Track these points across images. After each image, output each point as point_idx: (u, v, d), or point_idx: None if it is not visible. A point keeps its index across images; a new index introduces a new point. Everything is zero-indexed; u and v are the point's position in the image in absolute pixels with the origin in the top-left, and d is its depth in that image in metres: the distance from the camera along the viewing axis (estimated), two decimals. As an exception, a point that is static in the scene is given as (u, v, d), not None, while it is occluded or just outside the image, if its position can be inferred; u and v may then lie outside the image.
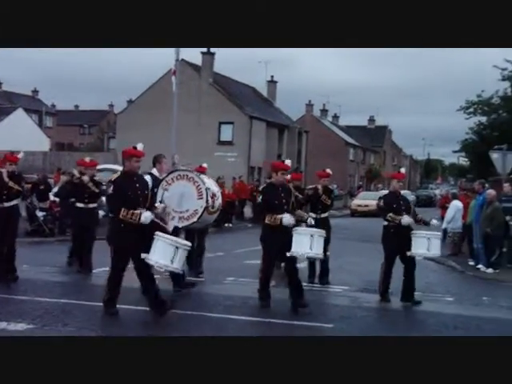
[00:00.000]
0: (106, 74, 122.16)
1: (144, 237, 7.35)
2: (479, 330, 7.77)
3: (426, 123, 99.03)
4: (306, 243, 8.33)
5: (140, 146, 7.61)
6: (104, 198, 9.51)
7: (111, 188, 7.45)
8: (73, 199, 11.31)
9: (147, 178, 8.15)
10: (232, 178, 27.30)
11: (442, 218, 18.82)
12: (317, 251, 8.45)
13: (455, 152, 31.92)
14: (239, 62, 68.45)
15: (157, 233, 7.34)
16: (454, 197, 18.55)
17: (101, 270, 10.54)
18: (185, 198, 8.99)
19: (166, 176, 9.08)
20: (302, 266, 11.67)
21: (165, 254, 7.24)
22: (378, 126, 72.74)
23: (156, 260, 7.24)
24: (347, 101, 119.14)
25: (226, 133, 39.08)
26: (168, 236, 7.47)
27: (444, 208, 19.37)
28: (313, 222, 9.42)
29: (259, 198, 8.61)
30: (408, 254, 9.20)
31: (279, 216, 8.20)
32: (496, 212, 13.72)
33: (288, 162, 8.76)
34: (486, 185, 16.16)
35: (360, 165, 62.11)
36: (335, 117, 67.58)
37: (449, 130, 67.51)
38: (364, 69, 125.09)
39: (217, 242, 15.13)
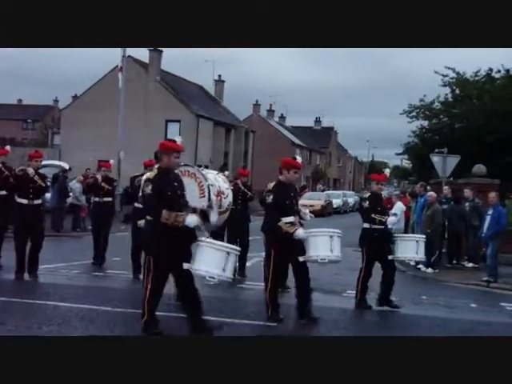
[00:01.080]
0: (50, 68, 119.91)
1: (186, 243, 6.59)
2: (418, 327, 7.99)
3: (371, 125, 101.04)
4: (325, 246, 7.81)
5: (179, 140, 6.95)
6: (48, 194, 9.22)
7: (149, 187, 6.49)
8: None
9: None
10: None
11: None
12: (338, 253, 7.91)
13: (398, 154, 32.53)
14: (187, 61, 68.24)
15: (200, 239, 6.56)
16: (399, 198, 19.01)
17: (43, 267, 10.51)
18: (187, 196, 7.68)
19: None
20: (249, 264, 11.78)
21: (215, 261, 6.44)
22: (324, 127, 73.59)
23: (206, 269, 6.41)
24: (294, 101, 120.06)
25: (173, 131, 38.87)
26: (214, 241, 6.70)
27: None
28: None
29: (269, 198, 7.73)
30: (401, 258, 9.24)
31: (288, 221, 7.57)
32: (436, 214, 14.15)
33: (299, 159, 8.08)
34: (428, 187, 16.65)
35: (306, 165, 62.73)
36: (282, 117, 68.08)
37: (393, 133, 68.93)
38: (311, 70, 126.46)
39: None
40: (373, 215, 8.88)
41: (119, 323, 7.09)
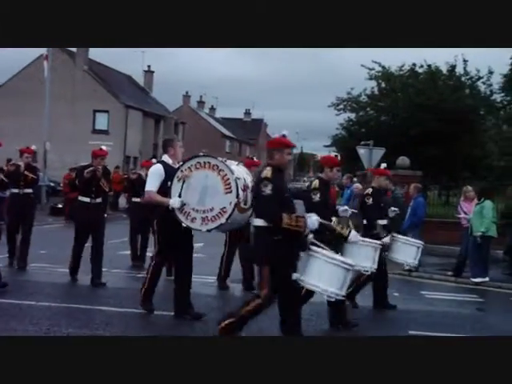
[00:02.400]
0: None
1: (299, 251, 5.98)
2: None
3: (300, 118, 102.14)
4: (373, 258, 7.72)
5: (286, 133, 6.20)
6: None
7: (269, 188, 5.72)
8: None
9: (158, 167, 7.29)
10: (115, 167, 26.97)
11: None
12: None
13: (326, 146, 33.00)
14: (115, 50, 67.00)
15: (313, 248, 5.90)
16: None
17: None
18: (208, 192, 6.90)
19: (182, 165, 7.09)
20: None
21: (334, 279, 5.80)
22: (254, 118, 73.96)
23: (325, 288, 5.79)
24: (224, 93, 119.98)
25: (101, 121, 38.32)
26: (333, 255, 5.93)
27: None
28: None
29: (316, 197, 6.94)
30: (399, 261, 9.18)
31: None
32: (362, 205, 14.47)
33: (338, 157, 7.54)
34: (354, 179, 17.01)
35: (236, 157, 62.85)
36: (212, 109, 67.98)
37: (321, 125, 69.76)
38: (242, 62, 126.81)
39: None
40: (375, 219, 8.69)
41: (44, 318, 6.99)
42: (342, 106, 27.72)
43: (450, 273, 12.52)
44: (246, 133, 68.96)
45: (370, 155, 18.06)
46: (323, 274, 5.76)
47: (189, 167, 6.97)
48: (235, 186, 6.76)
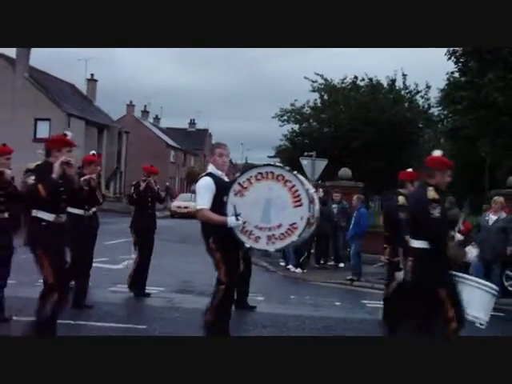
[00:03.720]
0: None
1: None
2: (285, 327, 8.31)
3: (244, 128, 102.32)
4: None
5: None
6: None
7: (438, 210, 5.31)
8: None
9: (207, 181, 6.11)
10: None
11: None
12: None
13: (270, 157, 33.33)
14: (58, 58, 66.16)
15: (458, 274, 5.65)
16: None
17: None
18: (273, 207, 6.02)
19: (240, 176, 6.18)
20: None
21: (485, 306, 5.63)
22: (199, 129, 73.88)
23: (476, 315, 5.59)
24: (169, 103, 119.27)
25: (43, 130, 37.57)
26: (482, 281, 5.71)
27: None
28: None
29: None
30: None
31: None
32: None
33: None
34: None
35: (181, 167, 62.67)
36: (156, 118, 67.62)
37: (265, 136, 70.34)
38: (186, 72, 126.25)
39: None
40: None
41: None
42: (285, 118, 28.10)
43: (389, 282, 12.82)
44: (191, 143, 68.79)
45: (312, 166, 18.31)
46: (476, 302, 5.55)
47: (248, 179, 6.08)
48: (306, 197, 5.95)
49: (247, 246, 6.01)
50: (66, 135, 6.25)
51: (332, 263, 15.69)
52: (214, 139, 78.13)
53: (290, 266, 14.51)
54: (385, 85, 27.47)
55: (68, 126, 37.45)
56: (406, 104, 27.42)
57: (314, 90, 27.60)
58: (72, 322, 7.41)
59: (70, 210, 8.03)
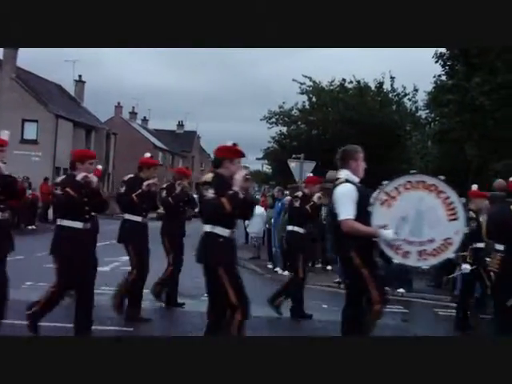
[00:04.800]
0: None
1: None
2: (272, 329, 8.32)
3: (232, 130, 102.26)
4: None
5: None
6: None
7: None
8: None
9: (349, 188, 5.68)
10: (44, 178, 26.90)
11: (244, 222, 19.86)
12: None
13: (258, 159, 33.39)
14: (45, 59, 65.94)
15: None
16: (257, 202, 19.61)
17: None
18: (425, 219, 5.62)
19: (386, 184, 5.77)
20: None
21: None
22: (187, 130, 73.75)
23: None
24: (157, 104, 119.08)
25: (30, 131, 37.41)
26: None
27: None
28: None
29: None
30: None
31: None
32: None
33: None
34: (286, 191, 17.26)
35: (168, 169, 62.53)
36: (144, 120, 67.45)
37: (253, 138, 70.54)
38: (175, 73, 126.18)
39: (17, 244, 14.51)
40: None
41: None
42: (273, 120, 28.13)
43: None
44: (179, 145, 68.67)
45: (300, 168, 18.36)
46: None
47: (396, 187, 5.67)
48: (462, 211, 5.62)
49: (396, 261, 5.62)
50: None
51: (320, 266, 15.72)
52: (202, 141, 78.15)
53: (277, 269, 14.53)
54: (372, 87, 27.59)
55: (56, 128, 37.35)
56: (394, 107, 27.55)
57: (302, 93, 27.66)
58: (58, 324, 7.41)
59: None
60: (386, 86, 27.68)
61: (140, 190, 8.04)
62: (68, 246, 6.46)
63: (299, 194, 9.57)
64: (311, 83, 27.62)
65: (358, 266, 5.57)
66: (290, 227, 9.60)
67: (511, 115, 19.05)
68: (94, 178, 6.54)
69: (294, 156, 19.80)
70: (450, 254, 5.63)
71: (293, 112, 28.19)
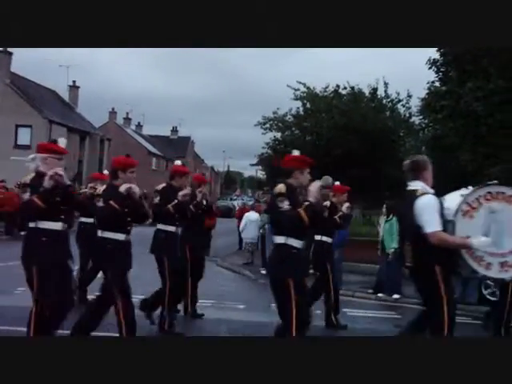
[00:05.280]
0: None
1: None
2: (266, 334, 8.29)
3: (226, 136, 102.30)
4: None
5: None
6: None
7: None
8: None
9: (433, 199, 5.55)
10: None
11: (238, 228, 19.88)
12: None
13: (252, 165, 33.35)
14: (39, 65, 65.96)
15: None
16: (252, 208, 19.58)
17: None
18: (506, 230, 5.61)
19: (468, 195, 5.69)
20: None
21: None
22: (181, 136, 73.78)
23: None
24: (151, 110, 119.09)
25: (24, 136, 37.34)
26: None
27: (241, 219, 20.30)
28: None
29: None
30: None
31: None
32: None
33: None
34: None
35: (163, 174, 62.45)
36: (139, 125, 67.47)
37: (247, 144, 70.54)
38: (170, 79, 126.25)
39: (11, 250, 14.44)
40: None
41: None
42: (268, 126, 28.08)
43: (370, 290, 12.86)
44: (173, 150, 68.66)
45: (294, 174, 18.32)
46: None
47: (477, 198, 5.61)
48: None
49: (480, 273, 5.63)
50: (56, 142, 6.23)
51: (312, 271, 15.67)
52: (196, 146, 78.17)
53: (271, 274, 14.50)
54: (366, 93, 27.62)
55: (49, 133, 37.28)
56: (388, 113, 27.58)
57: (296, 99, 27.64)
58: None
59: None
60: (380, 92, 27.74)
61: (176, 201, 7.87)
62: (113, 257, 6.38)
63: (327, 203, 9.07)
64: (305, 89, 27.63)
65: (437, 280, 5.45)
66: (317, 237, 9.33)
67: (504, 121, 19.13)
68: (136, 189, 6.41)
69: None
70: None
71: (287, 118, 28.16)
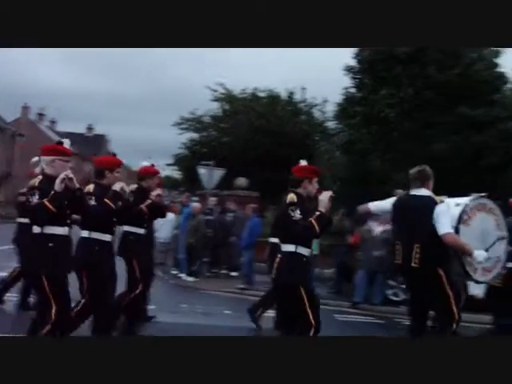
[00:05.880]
0: None
1: None
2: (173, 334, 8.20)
3: (143, 135, 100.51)
4: None
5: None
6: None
7: None
8: None
9: (446, 206, 6.03)
10: None
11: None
12: None
13: (168, 165, 33.08)
14: None
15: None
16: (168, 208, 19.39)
17: None
18: (487, 239, 6.31)
19: (467, 204, 6.29)
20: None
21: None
22: (97, 134, 72.36)
23: None
24: (66, 106, 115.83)
25: None
26: None
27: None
28: None
29: None
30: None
31: None
32: (200, 224, 14.65)
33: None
34: (193, 198, 17.16)
35: (77, 173, 61.04)
36: (53, 122, 65.66)
37: (164, 144, 69.92)
38: (85, 75, 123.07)
39: None
40: None
41: None
42: (185, 126, 27.97)
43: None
44: (89, 148, 67.19)
45: (210, 175, 18.29)
46: None
47: (471, 208, 6.26)
48: (505, 230, 6.42)
49: (474, 279, 6.27)
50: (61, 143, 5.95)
51: (225, 272, 15.70)
52: (112, 145, 76.79)
53: (181, 275, 14.41)
54: (284, 97, 27.95)
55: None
56: (304, 116, 27.99)
57: (214, 100, 27.70)
58: None
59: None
60: (297, 96, 28.13)
61: (150, 201, 7.52)
62: (100, 260, 6.24)
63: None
64: (224, 91, 27.70)
65: (444, 281, 5.93)
66: (273, 240, 9.27)
67: (413, 129, 19.78)
68: (126, 189, 6.33)
69: (203, 162, 19.72)
70: (498, 269, 6.42)
71: (204, 119, 28.15)
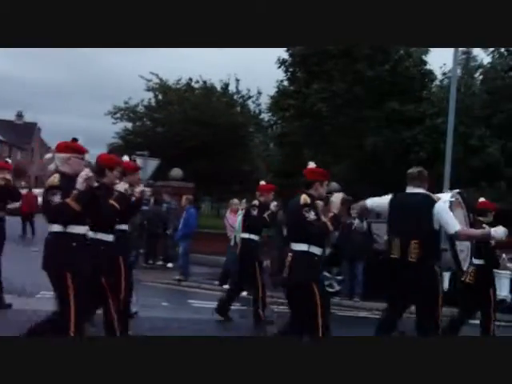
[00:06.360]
0: None
1: None
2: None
3: (76, 124, 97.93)
4: None
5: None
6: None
7: None
8: None
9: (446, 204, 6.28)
10: None
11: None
12: None
13: (102, 154, 32.62)
14: None
15: None
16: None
17: None
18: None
19: (455, 195, 6.71)
20: None
21: None
22: (27, 122, 70.47)
23: None
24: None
25: None
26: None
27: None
28: None
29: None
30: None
31: None
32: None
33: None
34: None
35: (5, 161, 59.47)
36: (-21, 108, 63.63)
37: (98, 133, 68.82)
38: (12, 62, 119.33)
39: None
40: None
41: None
42: (119, 115, 27.65)
43: (216, 282, 13.16)
44: (18, 136, 65.45)
45: (144, 166, 18.18)
46: None
47: (455, 205, 6.55)
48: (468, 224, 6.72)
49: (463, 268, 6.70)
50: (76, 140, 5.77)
51: (161, 263, 15.79)
52: (43, 133, 74.98)
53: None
54: (218, 88, 28.04)
55: None
56: (239, 108, 28.17)
57: (148, 89, 27.48)
58: None
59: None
60: (232, 88, 28.28)
61: (134, 198, 7.21)
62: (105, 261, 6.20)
63: (256, 202, 9.38)
64: (158, 80, 27.54)
65: (438, 280, 6.17)
66: (245, 235, 9.53)
67: (346, 123, 20.29)
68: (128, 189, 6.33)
69: (138, 152, 19.63)
70: (468, 260, 6.84)
71: (138, 108, 27.91)
